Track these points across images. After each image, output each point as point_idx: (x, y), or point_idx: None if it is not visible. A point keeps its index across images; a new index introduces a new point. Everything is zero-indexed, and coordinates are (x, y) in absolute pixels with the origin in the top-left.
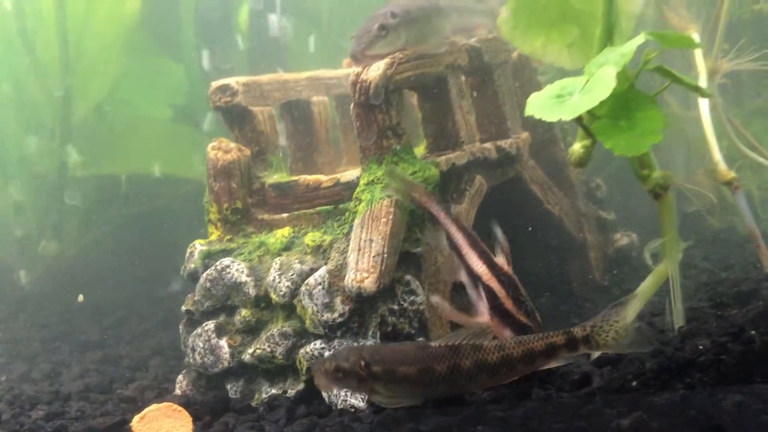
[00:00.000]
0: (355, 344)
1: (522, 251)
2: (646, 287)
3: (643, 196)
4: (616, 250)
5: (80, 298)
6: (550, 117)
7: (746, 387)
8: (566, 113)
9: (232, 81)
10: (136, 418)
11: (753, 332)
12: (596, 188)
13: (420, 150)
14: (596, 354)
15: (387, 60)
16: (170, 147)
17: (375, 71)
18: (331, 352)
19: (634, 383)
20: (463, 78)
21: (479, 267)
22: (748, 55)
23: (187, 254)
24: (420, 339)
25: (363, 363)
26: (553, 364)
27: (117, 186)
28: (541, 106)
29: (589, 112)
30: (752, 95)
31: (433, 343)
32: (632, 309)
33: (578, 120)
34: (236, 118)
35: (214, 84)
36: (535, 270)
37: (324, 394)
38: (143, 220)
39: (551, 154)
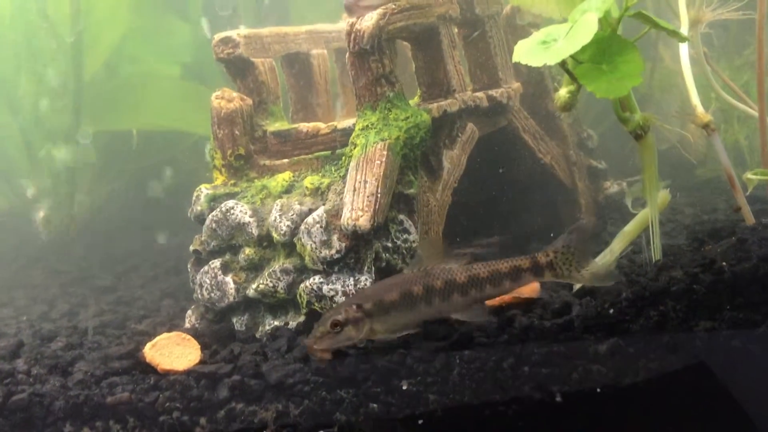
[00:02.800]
0: (346, 280)
1: (514, 199)
2: (630, 228)
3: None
4: (606, 197)
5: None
6: (535, 62)
7: (716, 314)
8: (551, 58)
9: (234, 33)
10: (148, 346)
11: (723, 264)
12: (587, 138)
13: (415, 100)
14: (577, 286)
15: (380, 10)
16: (178, 103)
17: (368, 21)
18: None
19: (611, 311)
20: (455, 29)
21: None
22: (732, 5)
23: (194, 197)
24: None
25: (354, 306)
26: (521, 287)
27: (128, 141)
28: (528, 51)
29: (573, 58)
30: (740, 48)
31: (406, 270)
32: (617, 246)
33: (563, 65)
34: (238, 69)
35: (217, 36)
36: (527, 216)
37: None
38: (153, 174)
39: (543, 105)
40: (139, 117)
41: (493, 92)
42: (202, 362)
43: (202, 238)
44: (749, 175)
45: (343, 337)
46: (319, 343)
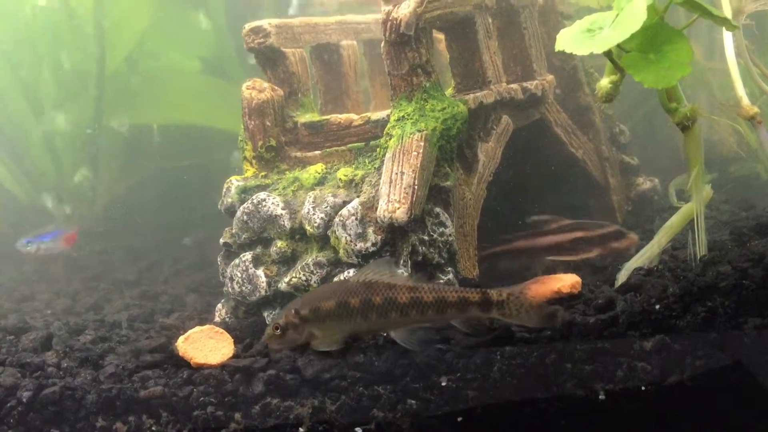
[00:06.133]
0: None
1: (546, 193)
2: (673, 222)
3: (665, 144)
4: (638, 193)
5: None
6: (580, 50)
7: (766, 310)
8: (597, 46)
9: (265, 23)
10: (181, 339)
11: None
12: (620, 133)
13: (448, 92)
14: (620, 281)
15: None
16: (199, 98)
17: (405, 9)
18: None
19: (657, 307)
20: (490, 19)
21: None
22: None
23: (224, 189)
24: (449, 268)
25: (293, 311)
26: (468, 319)
27: (149, 136)
28: (572, 40)
29: (618, 46)
30: None
31: (350, 280)
32: (662, 239)
33: (608, 54)
34: (269, 59)
35: (248, 26)
36: (559, 212)
37: None
38: (174, 170)
39: (575, 99)
40: (159, 112)
41: (527, 84)
42: (235, 356)
43: (233, 231)
44: None
45: (288, 340)
46: (270, 343)
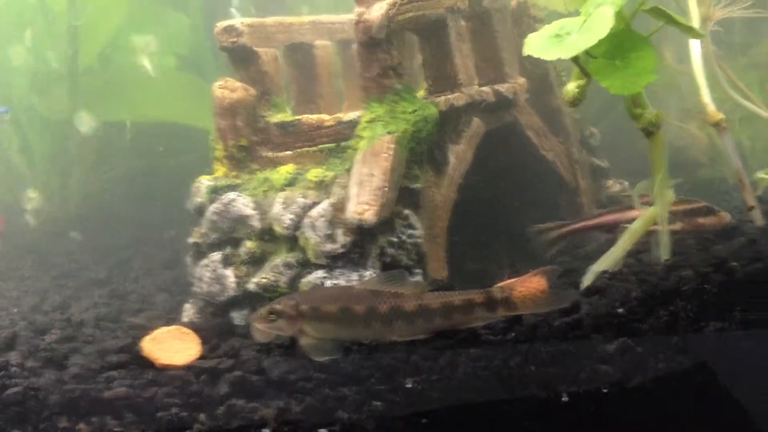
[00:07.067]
0: (350, 276)
1: (517, 194)
2: (637, 226)
3: (635, 147)
4: (608, 196)
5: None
6: (548, 56)
7: (727, 315)
8: (564, 52)
9: (238, 22)
10: (147, 339)
11: (734, 263)
12: (590, 136)
13: (420, 94)
14: (585, 283)
15: (389, 0)
16: (174, 96)
17: (377, 11)
18: None
19: (621, 310)
20: (462, 22)
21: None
22: (744, 2)
23: (194, 189)
24: (418, 270)
25: (293, 303)
26: (473, 323)
27: (122, 133)
28: (540, 45)
29: (586, 52)
30: (745, 48)
31: (357, 286)
32: (626, 243)
33: (575, 59)
34: (241, 58)
35: (220, 25)
36: (529, 212)
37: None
38: (148, 167)
39: (547, 101)
40: (134, 108)
41: (499, 87)
42: (202, 357)
43: (202, 231)
44: (761, 175)
45: (276, 327)
46: (257, 322)
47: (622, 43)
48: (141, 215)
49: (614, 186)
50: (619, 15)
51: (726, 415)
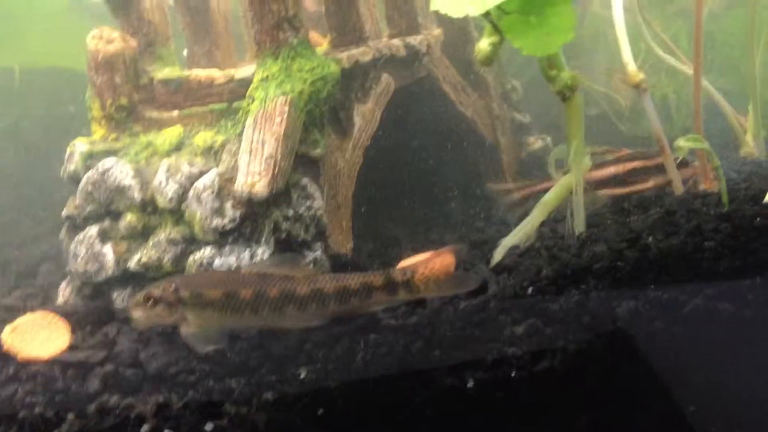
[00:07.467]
0: (241, 253)
1: (433, 153)
2: (550, 197)
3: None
4: (530, 153)
5: None
6: (456, 12)
7: (640, 293)
8: (474, 8)
9: None
10: (7, 329)
11: (650, 239)
12: (512, 90)
13: (324, 47)
14: (496, 259)
15: None
16: (66, 39)
17: None
18: None
19: (530, 290)
20: None
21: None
22: None
23: (67, 154)
24: (317, 244)
25: (172, 287)
26: (373, 307)
27: (10, 80)
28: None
29: (498, 7)
30: None
31: (244, 270)
32: (537, 217)
33: (486, 16)
34: (119, 4)
35: None
36: (447, 172)
37: None
38: (40, 116)
39: (465, 54)
40: (21, 53)
41: (411, 39)
42: (71, 347)
43: (77, 202)
44: (681, 142)
45: (154, 314)
46: (134, 309)
47: None
48: (31, 171)
49: (536, 142)
50: None
51: (636, 396)
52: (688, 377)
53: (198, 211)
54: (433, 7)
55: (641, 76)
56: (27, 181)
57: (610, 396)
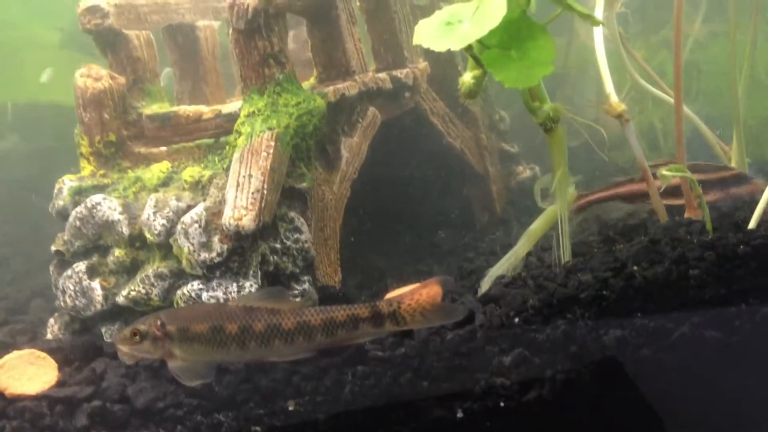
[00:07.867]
0: (228, 286)
1: (422, 184)
2: (536, 227)
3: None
4: (518, 182)
5: None
6: (438, 46)
7: (627, 321)
8: (455, 42)
9: (103, 1)
10: None
11: (635, 268)
12: (499, 120)
13: (310, 82)
14: (483, 288)
15: None
16: (58, 73)
17: None
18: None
19: (517, 320)
20: (358, 2)
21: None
22: None
23: (56, 190)
24: (305, 276)
25: (158, 323)
26: (360, 339)
27: (4, 114)
28: (430, 34)
29: (480, 41)
30: (657, 26)
31: (231, 303)
32: (522, 248)
33: (468, 50)
34: (108, 42)
35: (83, 4)
36: (436, 202)
37: None
38: (34, 151)
39: (452, 87)
40: (15, 88)
41: (397, 73)
42: (60, 383)
43: (66, 237)
44: (664, 172)
45: (142, 349)
46: (121, 344)
47: (518, 32)
48: (23, 207)
49: (525, 171)
50: (513, 2)
51: (625, 424)
52: (676, 404)
53: (186, 245)
54: (416, 41)
55: (623, 107)
56: (19, 216)
57: (599, 424)
